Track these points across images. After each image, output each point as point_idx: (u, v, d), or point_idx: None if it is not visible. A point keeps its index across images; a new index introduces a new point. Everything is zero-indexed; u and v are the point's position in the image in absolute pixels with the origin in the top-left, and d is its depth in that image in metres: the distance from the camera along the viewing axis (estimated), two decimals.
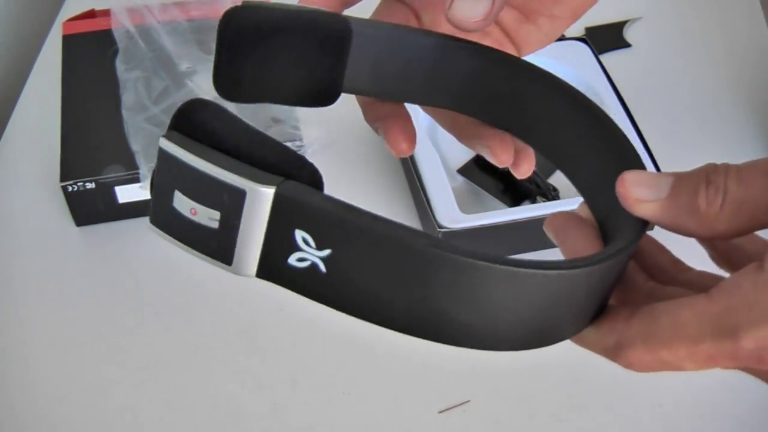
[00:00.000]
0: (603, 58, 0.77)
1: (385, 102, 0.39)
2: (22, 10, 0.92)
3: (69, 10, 0.85)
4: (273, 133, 0.67)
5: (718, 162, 0.30)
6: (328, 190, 0.71)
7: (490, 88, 0.38)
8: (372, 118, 0.40)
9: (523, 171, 0.40)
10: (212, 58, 0.77)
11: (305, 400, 0.59)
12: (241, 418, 0.58)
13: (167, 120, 0.69)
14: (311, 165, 0.28)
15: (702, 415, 0.58)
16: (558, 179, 0.70)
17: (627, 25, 0.87)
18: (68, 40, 0.76)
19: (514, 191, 0.69)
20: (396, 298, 0.27)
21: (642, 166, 0.32)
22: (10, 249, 0.68)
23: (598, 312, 0.30)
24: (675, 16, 0.90)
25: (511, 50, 0.41)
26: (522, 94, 0.37)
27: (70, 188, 0.65)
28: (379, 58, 0.36)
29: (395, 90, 0.38)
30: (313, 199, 0.26)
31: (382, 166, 0.73)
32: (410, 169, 0.68)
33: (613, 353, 0.29)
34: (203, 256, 0.28)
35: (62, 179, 0.65)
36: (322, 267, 0.27)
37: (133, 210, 0.68)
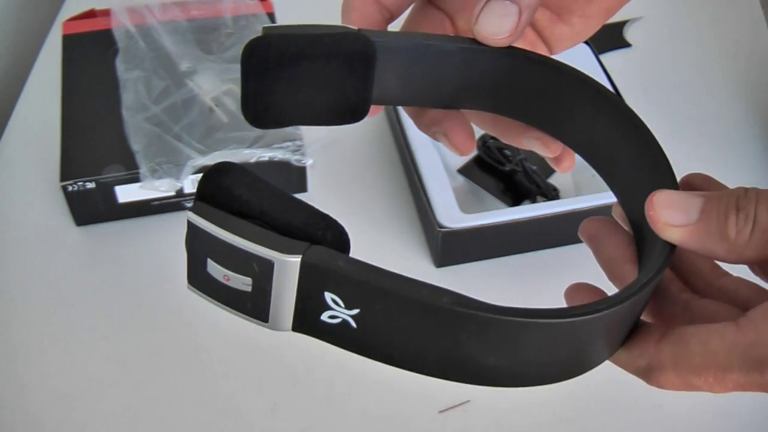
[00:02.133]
0: (603, 58, 0.77)
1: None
2: (22, 10, 0.92)
3: (69, 10, 0.85)
4: (273, 132, 0.67)
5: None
6: (328, 191, 0.72)
7: (520, 89, 0.38)
8: (426, 124, 0.40)
9: (565, 166, 0.40)
10: (212, 57, 0.77)
11: (305, 400, 0.59)
12: (241, 418, 0.58)
13: (167, 119, 0.70)
14: (336, 224, 0.29)
15: (702, 415, 0.58)
16: (558, 179, 0.70)
17: (627, 25, 0.87)
18: (68, 40, 0.76)
19: (514, 191, 0.69)
20: (425, 349, 0.28)
21: (670, 168, 0.33)
22: (10, 249, 0.68)
23: (630, 332, 0.31)
24: (675, 16, 0.90)
25: (542, 49, 0.41)
26: (552, 92, 0.37)
27: (70, 188, 0.65)
28: (406, 69, 0.36)
29: (425, 98, 0.38)
30: (338, 264, 0.27)
31: (382, 166, 0.73)
32: (410, 169, 0.68)
33: (644, 375, 0.30)
34: (240, 314, 0.29)
35: (62, 179, 0.65)
36: (353, 323, 0.28)
37: (133, 210, 0.68)
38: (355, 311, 0.28)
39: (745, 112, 0.79)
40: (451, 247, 0.64)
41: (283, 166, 0.67)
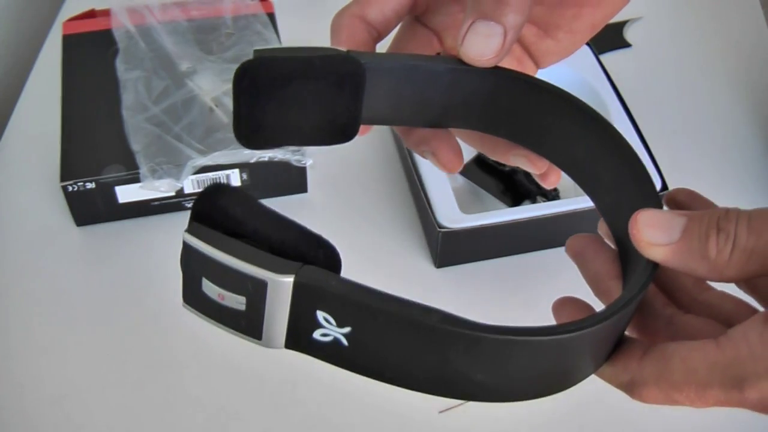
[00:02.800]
0: (603, 58, 0.77)
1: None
2: (22, 10, 0.92)
3: (69, 10, 0.85)
4: None
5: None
6: (328, 191, 0.72)
7: (506, 108, 0.38)
8: (415, 142, 0.41)
9: (551, 181, 0.41)
10: (212, 57, 0.77)
11: (305, 399, 0.59)
12: (241, 418, 0.58)
13: (167, 120, 0.70)
14: (327, 244, 0.30)
15: (702, 415, 0.57)
16: None
17: (627, 25, 0.87)
18: (68, 40, 0.76)
19: (514, 191, 0.69)
20: (416, 367, 0.29)
21: (653, 186, 0.33)
22: (10, 249, 0.68)
23: (614, 347, 0.31)
24: (675, 16, 0.90)
25: (529, 64, 0.41)
26: (536, 111, 0.38)
27: (70, 188, 0.65)
28: (394, 89, 0.37)
29: (414, 117, 0.39)
30: (330, 284, 0.28)
31: (382, 167, 0.73)
32: (410, 169, 0.68)
33: (627, 389, 0.31)
34: (234, 332, 0.30)
35: (62, 179, 0.65)
36: (344, 341, 0.29)
37: (133, 210, 0.68)
38: (347, 329, 0.28)
39: (745, 112, 0.79)
40: (451, 247, 0.64)
41: (283, 166, 0.67)
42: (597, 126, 0.36)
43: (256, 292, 0.28)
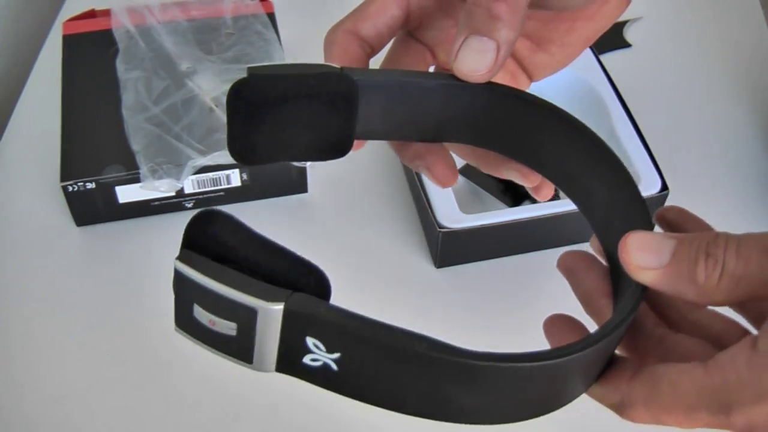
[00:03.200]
0: (603, 58, 0.77)
1: None
2: (22, 10, 0.92)
3: (69, 10, 0.85)
4: None
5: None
6: (328, 191, 0.72)
7: (499, 122, 0.38)
8: (409, 157, 0.41)
9: (544, 194, 0.42)
10: (212, 57, 0.77)
11: (305, 399, 0.59)
12: (241, 418, 0.58)
13: (167, 120, 0.70)
14: (317, 271, 0.31)
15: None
16: None
17: (627, 25, 0.87)
18: (68, 40, 0.76)
19: (514, 191, 0.69)
20: (404, 391, 0.29)
21: (643, 203, 0.33)
22: (11, 249, 0.68)
23: (605, 366, 0.32)
24: (675, 16, 0.90)
25: (523, 77, 0.41)
26: (528, 126, 0.38)
27: (70, 188, 0.65)
28: (388, 105, 0.37)
29: (407, 132, 0.39)
30: (319, 311, 0.29)
31: (382, 167, 0.73)
32: (411, 170, 0.68)
33: (617, 409, 0.32)
34: (225, 356, 0.30)
35: (62, 179, 0.65)
36: (334, 366, 0.29)
37: (133, 210, 0.68)
38: (336, 355, 0.29)
39: (746, 112, 0.79)
40: (451, 247, 0.64)
41: (283, 166, 0.67)
42: (590, 143, 0.36)
43: (247, 318, 0.29)
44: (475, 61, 0.35)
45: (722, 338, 0.32)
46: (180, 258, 0.30)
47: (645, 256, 0.30)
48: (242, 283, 0.29)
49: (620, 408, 0.31)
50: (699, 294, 0.29)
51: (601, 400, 0.32)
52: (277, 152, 0.37)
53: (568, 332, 0.33)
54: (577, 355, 0.29)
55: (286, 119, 0.35)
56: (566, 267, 0.36)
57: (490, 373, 0.28)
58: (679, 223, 0.35)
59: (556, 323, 0.34)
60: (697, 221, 0.35)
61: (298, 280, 0.30)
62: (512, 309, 0.63)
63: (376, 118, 0.37)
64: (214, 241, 0.30)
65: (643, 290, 0.31)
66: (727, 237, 0.29)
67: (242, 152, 0.36)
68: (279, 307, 0.28)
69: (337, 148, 0.38)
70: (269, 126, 0.35)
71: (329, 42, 0.38)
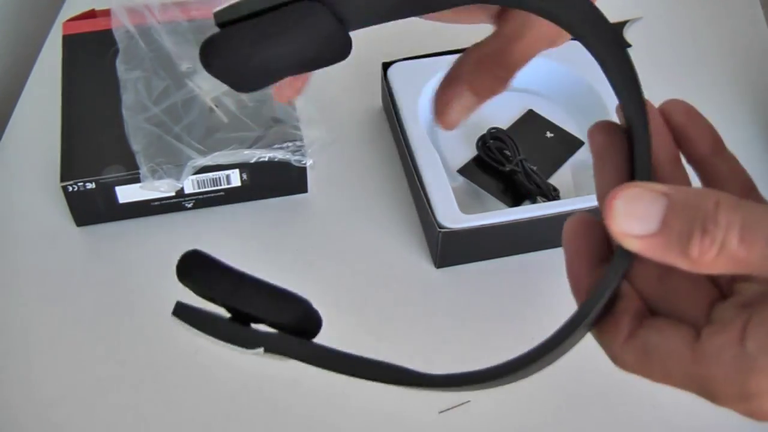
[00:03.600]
0: None
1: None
2: (22, 10, 0.92)
3: (69, 10, 0.85)
4: (273, 133, 0.67)
5: None
6: (329, 191, 0.71)
7: None
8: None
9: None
10: None
11: (305, 400, 0.59)
12: (241, 418, 0.58)
13: (167, 120, 0.70)
14: (300, 308, 0.35)
15: (701, 415, 0.58)
16: (558, 179, 0.70)
17: (627, 25, 0.87)
18: (68, 40, 0.76)
19: (514, 191, 0.69)
20: None
21: (637, 87, 0.33)
22: (10, 249, 0.68)
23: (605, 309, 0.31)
24: (675, 16, 0.90)
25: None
26: None
27: (70, 188, 0.65)
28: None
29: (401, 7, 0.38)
30: (294, 351, 0.34)
31: (382, 166, 0.73)
32: (410, 169, 0.68)
33: (611, 359, 0.31)
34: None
35: (62, 179, 0.65)
36: None
37: (133, 210, 0.68)
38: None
39: (745, 112, 0.79)
40: (451, 248, 0.64)
41: (283, 166, 0.67)
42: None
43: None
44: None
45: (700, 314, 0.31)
46: (175, 313, 0.37)
47: (631, 222, 0.27)
48: (228, 332, 0.35)
49: (614, 360, 0.31)
50: (691, 266, 0.27)
51: (601, 344, 0.32)
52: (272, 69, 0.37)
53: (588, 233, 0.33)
54: (539, 363, 0.30)
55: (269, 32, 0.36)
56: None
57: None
58: (684, 128, 0.34)
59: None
60: (705, 129, 0.33)
61: (279, 320, 0.34)
62: (512, 309, 0.63)
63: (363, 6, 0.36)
64: (200, 286, 0.36)
65: (628, 264, 0.29)
66: (729, 215, 0.27)
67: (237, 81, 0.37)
68: (259, 351, 0.34)
69: (335, 50, 0.37)
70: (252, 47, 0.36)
71: None
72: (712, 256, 0.27)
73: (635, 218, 0.27)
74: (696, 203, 0.27)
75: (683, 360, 0.29)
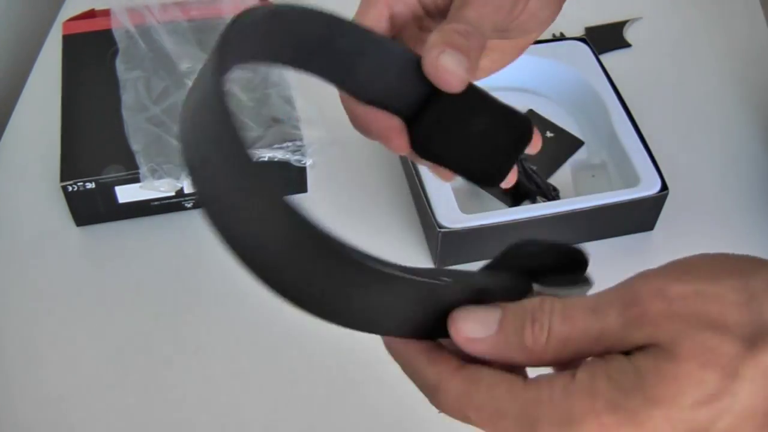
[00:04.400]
0: (603, 58, 0.77)
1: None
2: (22, 10, 0.92)
3: (69, 10, 0.85)
4: (273, 132, 0.67)
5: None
6: (329, 191, 0.71)
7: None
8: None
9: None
10: None
11: (305, 400, 0.59)
12: (241, 419, 0.58)
13: (167, 120, 0.70)
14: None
15: None
16: (558, 179, 0.70)
17: (627, 25, 0.87)
18: (68, 40, 0.76)
19: (514, 191, 0.69)
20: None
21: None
22: (11, 249, 0.68)
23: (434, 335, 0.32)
24: (675, 16, 0.90)
25: None
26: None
27: (70, 188, 0.65)
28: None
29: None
30: None
31: (382, 166, 0.73)
32: (410, 169, 0.68)
33: (430, 390, 0.32)
34: None
35: (62, 179, 0.65)
36: None
37: (133, 210, 0.68)
38: None
39: (746, 112, 0.79)
40: (451, 248, 0.64)
41: (283, 166, 0.67)
42: None
43: None
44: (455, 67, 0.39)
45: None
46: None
47: (474, 326, 0.31)
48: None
49: (434, 391, 0.32)
50: (528, 358, 0.31)
51: (420, 373, 0.32)
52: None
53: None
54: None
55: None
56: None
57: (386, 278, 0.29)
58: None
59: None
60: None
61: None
62: None
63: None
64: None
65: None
66: (552, 302, 0.31)
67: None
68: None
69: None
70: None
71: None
72: (543, 342, 0.30)
73: (475, 323, 0.31)
74: (524, 304, 0.31)
75: (514, 385, 0.30)
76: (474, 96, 0.42)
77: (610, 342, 0.30)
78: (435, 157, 0.43)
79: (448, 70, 0.39)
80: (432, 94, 0.41)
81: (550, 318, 0.30)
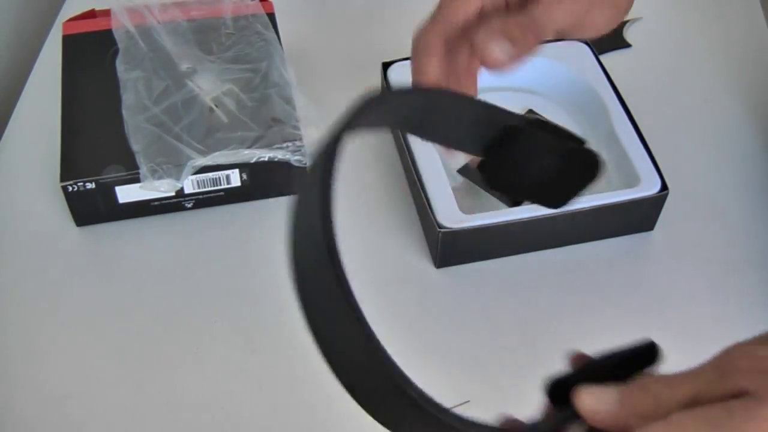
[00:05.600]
0: (603, 58, 0.77)
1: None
2: (22, 10, 0.92)
3: (69, 10, 0.85)
4: (273, 133, 0.67)
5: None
6: None
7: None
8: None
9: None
10: (212, 58, 0.76)
11: (305, 400, 0.59)
12: (241, 418, 0.58)
13: (167, 120, 0.70)
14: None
15: None
16: None
17: (627, 25, 0.87)
18: (68, 40, 0.76)
19: None
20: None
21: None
22: (10, 249, 0.68)
23: None
24: (675, 16, 0.90)
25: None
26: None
27: (70, 188, 0.65)
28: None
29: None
30: None
31: (382, 166, 0.73)
32: (410, 169, 0.68)
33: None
34: None
35: (62, 179, 0.65)
36: None
37: (133, 210, 0.68)
38: None
39: (745, 112, 0.79)
40: (451, 248, 0.64)
41: (283, 166, 0.67)
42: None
43: None
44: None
45: None
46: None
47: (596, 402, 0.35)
48: None
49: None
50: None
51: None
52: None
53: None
54: None
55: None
56: None
57: None
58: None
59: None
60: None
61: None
62: (512, 309, 0.63)
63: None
64: None
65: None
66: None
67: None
68: None
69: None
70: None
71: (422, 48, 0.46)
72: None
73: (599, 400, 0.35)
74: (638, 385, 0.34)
75: None
76: (545, 136, 0.45)
77: (707, 398, 0.32)
78: (504, 189, 0.47)
79: (491, 56, 0.42)
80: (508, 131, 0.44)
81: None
